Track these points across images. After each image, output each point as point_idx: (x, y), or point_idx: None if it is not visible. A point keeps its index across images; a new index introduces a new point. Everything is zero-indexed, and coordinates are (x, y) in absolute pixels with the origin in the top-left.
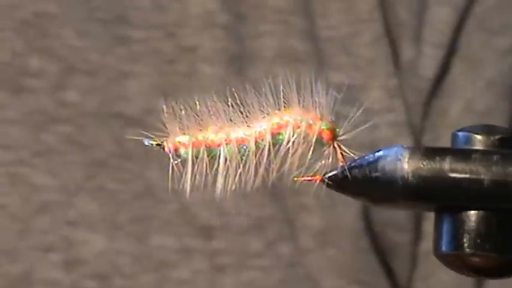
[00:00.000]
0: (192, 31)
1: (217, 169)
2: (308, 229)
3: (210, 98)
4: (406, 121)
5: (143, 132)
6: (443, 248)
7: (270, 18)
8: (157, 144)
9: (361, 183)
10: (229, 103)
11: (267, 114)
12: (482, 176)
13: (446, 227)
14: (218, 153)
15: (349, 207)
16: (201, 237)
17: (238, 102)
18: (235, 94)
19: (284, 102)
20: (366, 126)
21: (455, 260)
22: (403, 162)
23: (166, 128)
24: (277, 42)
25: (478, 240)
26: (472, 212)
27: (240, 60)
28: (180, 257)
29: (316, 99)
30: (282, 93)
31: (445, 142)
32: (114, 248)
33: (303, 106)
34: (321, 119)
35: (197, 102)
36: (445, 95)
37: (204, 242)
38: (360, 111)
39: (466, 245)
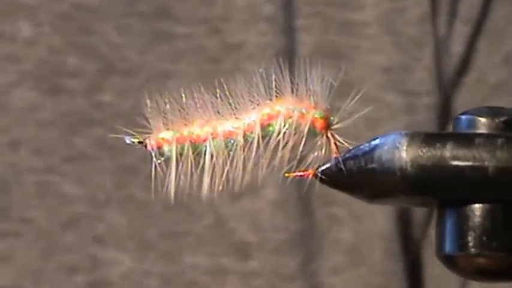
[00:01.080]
0: (237, 26)
1: (203, 167)
2: (339, 245)
3: (197, 89)
4: (440, 103)
5: (125, 129)
6: (447, 249)
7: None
8: (139, 142)
9: (356, 177)
10: (218, 94)
11: (257, 105)
12: (486, 163)
13: (449, 224)
14: (204, 149)
15: (381, 207)
16: (236, 255)
17: (228, 93)
18: (225, 85)
19: (276, 91)
20: (363, 113)
21: (459, 262)
22: (401, 151)
23: (149, 124)
24: (313, 37)
25: (484, 238)
26: (477, 206)
27: (284, 55)
28: (212, 279)
29: (311, 87)
30: (274, 83)
31: None
32: (142, 269)
33: (296, 95)
34: (315, 108)
35: (183, 95)
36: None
37: (239, 262)
38: (356, 98)
39: (470, 244)
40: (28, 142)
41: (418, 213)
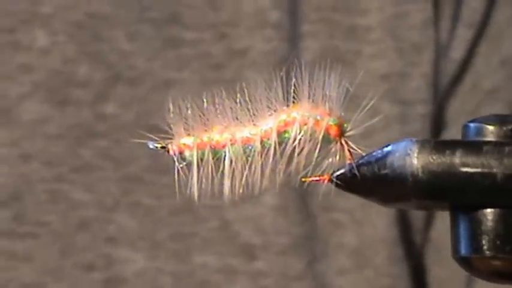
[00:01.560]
0: (244, 31)
1: (223, 171)
2: (343, 248)
3: (218, 95)
4: (434, 112)
5: (147, 134)
6: (463, 251)
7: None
8: (162, 147)
9: (370, 182)
10: (237, 100)
11: (275, 111)
12: (494, 170)
13: (463, 228)
14: (223, 155)
15: (382, 215)
16: (243, 256)
17: (246, 99)
18: (245, 90)
19: (294, 97)
20: (374, 121)
21: (475, 264)
22: (412, 157)
23: (171, 129)
24: (319, 43)
25: (498, 242)
26: (488, 211)
27: (287, 62)
28: (222, 277)
29: (327, 92)
30: (292, 88)
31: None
32: (155, 267)
33: (312, 101)
34: (330, 114)
35: (204, 100)
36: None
37: (246, 262)
38: (367, 108)
39: (485, 247)
40: (38, 155)
41: (418, 218)
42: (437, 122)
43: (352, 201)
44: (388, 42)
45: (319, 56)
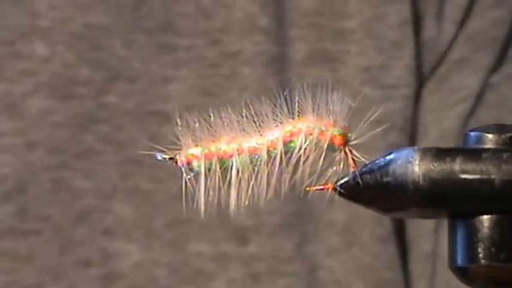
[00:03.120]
0: (235, 37)
1: (229, 182)
2: (333, 226)
3: (225, 111)
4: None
5: (156, 146)
6: (459, 261)
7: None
8: (170, 158)
9: (373, 190)
10: (244, 114)
11: (280, 123)
12: (492, 176)
13: (460, 236)
14: (230, 165)
15: None
16: (236, 241)
17: (253, 112)
18: (250, 105)
19: (299, 111)
20: (379, 130)
21: (471, 274)
22: (413, 165)
23: (179, 140)
24: (308, 45)
25: (493, 249)
26: (485, 217)
27: (278, 62)
28: (216, 266)
29: (331, 107)
30: (296, 103)
31: None
32: (150, 259)
33: (317, 114)
34: (334, 125)
35: (211, 115)
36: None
37: (239, 247)
38: (372, 118)
39: (481, 255)
40: (43, 142)
41: None
42: (417, 99)
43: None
44: (368, 42)
45: (309, 56)
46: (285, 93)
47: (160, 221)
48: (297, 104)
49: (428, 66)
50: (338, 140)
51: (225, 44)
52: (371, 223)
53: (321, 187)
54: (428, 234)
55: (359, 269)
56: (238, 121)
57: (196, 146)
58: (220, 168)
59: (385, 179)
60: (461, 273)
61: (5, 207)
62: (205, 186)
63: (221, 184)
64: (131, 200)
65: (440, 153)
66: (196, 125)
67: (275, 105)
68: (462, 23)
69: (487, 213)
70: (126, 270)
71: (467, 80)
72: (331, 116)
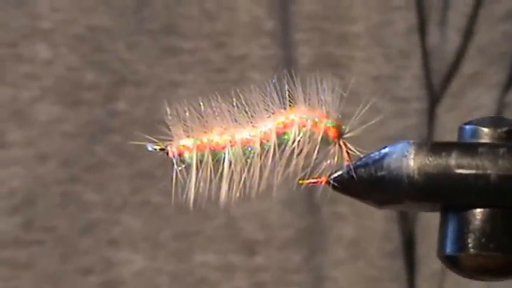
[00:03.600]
0: (240, 40)
1: (221, 174)
2: (341, 240)
3: (214, 99)
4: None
5: (147, 136)
6: (448, 250)
7: (304, 25)
8: (161, 149)
9: (367, 184)
10: (234, 103)
11: (272, 113)
12: (488, 171)
13: (451, 227)
14: (223, 157)
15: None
16: (243, 252)
17: (244, 102)
18: (240, 94)
19: (290, 101)
20: (373, 122)
21: (459, 262)
22: (408, 159)
23: (170, 131)
24: (313, 49)
25: (483, 240)
26: (478, 210)
27: (286, 65)
28: (221, 275)
29: (322, 97)
30: (287, 93)
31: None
32: (153, 268)
33: (308, 104)
34: (327, 117)
35: (201, 104)
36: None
37: (246, 258)
38: (366, 108)
39: (470, 245)
40: (54, 154)
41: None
42: (431, 116)
43: None
44: (375, 49)
45: (315, 61)
46: (273, 82)
47: (168, 233)
48: (287, 93)
49: (437, 78)
50: (332, 133)
51: (230, 47)
52: (379, 238)
53: (315, 180)
54: None
55: (364, 280)
56: (229, 111)
57: (188, 137)
58: (212, 160)
59: (379, 173)
60: (450, 261)
61: (12, 219)
62: (197, 178)
63: (213, 176)
64: (141, 213)
65: (436, 148)
66: (188, 114)
67: (265, 95)
68: (469, 33)
69: (481, 207)
70: (127, 278)
71: (483, 98)
72: (323, 107)
